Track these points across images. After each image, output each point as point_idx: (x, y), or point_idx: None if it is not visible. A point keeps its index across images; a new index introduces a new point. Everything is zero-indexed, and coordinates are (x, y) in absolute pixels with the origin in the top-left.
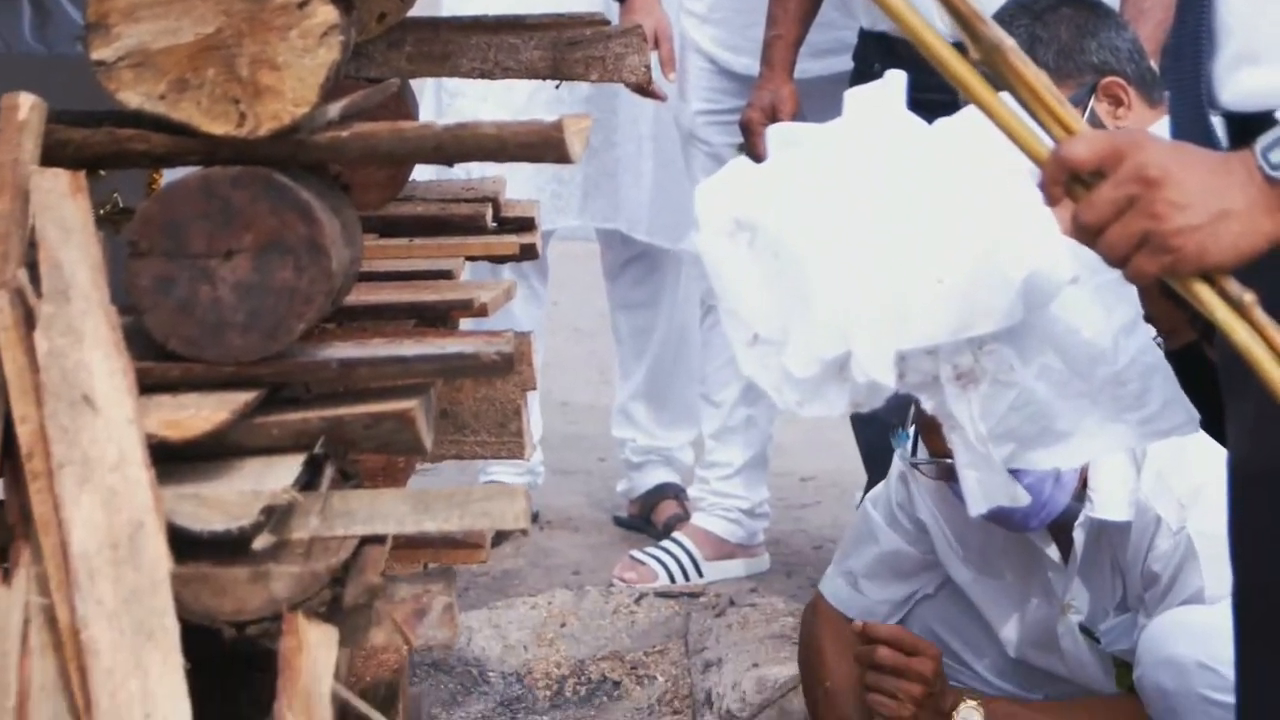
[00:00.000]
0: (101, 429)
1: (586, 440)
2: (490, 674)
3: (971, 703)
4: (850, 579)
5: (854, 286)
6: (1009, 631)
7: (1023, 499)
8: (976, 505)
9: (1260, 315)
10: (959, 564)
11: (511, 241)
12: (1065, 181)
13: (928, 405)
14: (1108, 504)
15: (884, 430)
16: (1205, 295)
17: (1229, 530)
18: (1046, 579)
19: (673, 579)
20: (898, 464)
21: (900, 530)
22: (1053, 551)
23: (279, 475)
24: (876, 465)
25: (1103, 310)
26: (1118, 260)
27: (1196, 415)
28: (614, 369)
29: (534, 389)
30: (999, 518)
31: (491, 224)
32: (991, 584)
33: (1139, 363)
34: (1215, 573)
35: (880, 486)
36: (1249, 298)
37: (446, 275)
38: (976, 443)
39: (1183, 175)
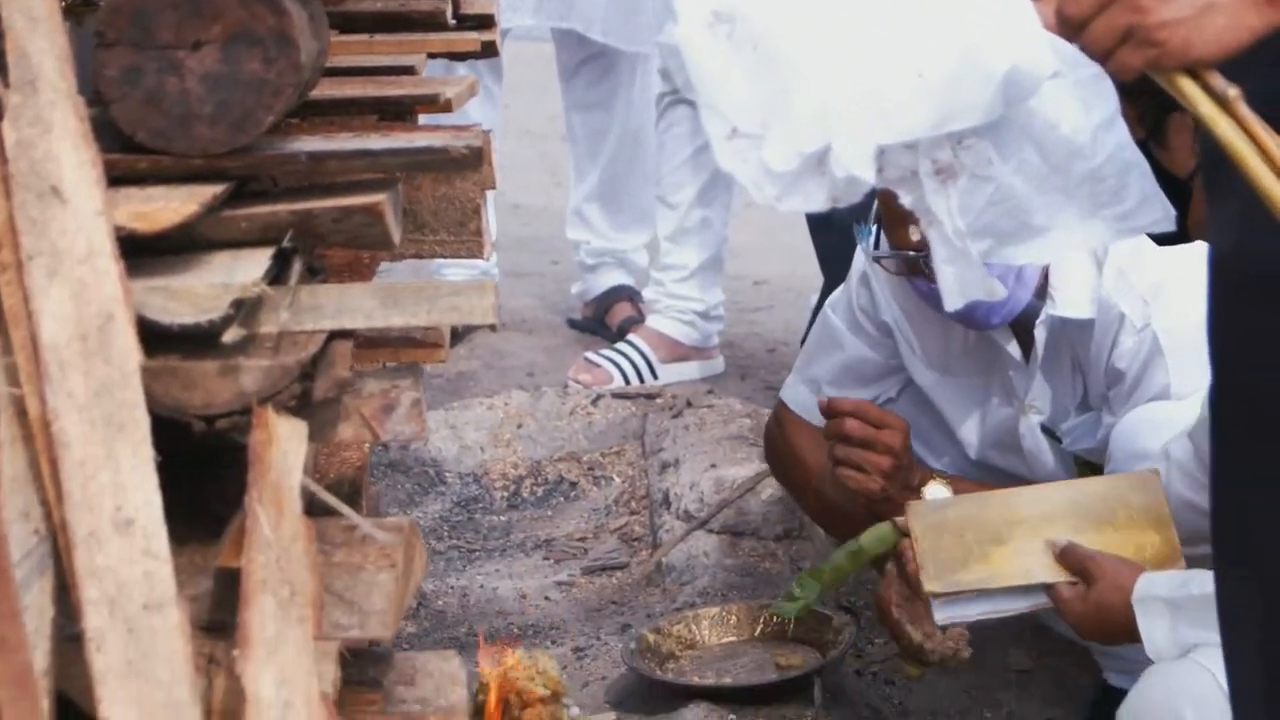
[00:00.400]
0: (70, 220)
1: (539, 243)
2: (447, 474)
3: (940, 480)
4: (814, 386)
5: (834, 80)
6: (970, 433)
7: (999, 292)
8: (953, 300)
9: (1244, 110)
10: (921, 366)
11: (472, 38)
12: None
13: (906, 200)
14: (1070, 302)
15: (841, 233)
16: (1189, 90)
17: (1209, 329)
18: (1008, 378)
19: (627, 381)
20: (859, 267)
21: (863, 335)
22: (1014, 349)
23: (248, 269)
24: (833, 268)
25: (1081, 106)
26: (1101, 55)
27: (1173, 211)
28: (567, 172)
29: (493, 188)
30: (963, 315)
31: (451, 20)
32: (953, 384)
33: (1116, 159)
34: (1180, 368)
35: (840, 291)
36: (1233, 92)
37: (408, 71)
38: (954, 238)
39: None
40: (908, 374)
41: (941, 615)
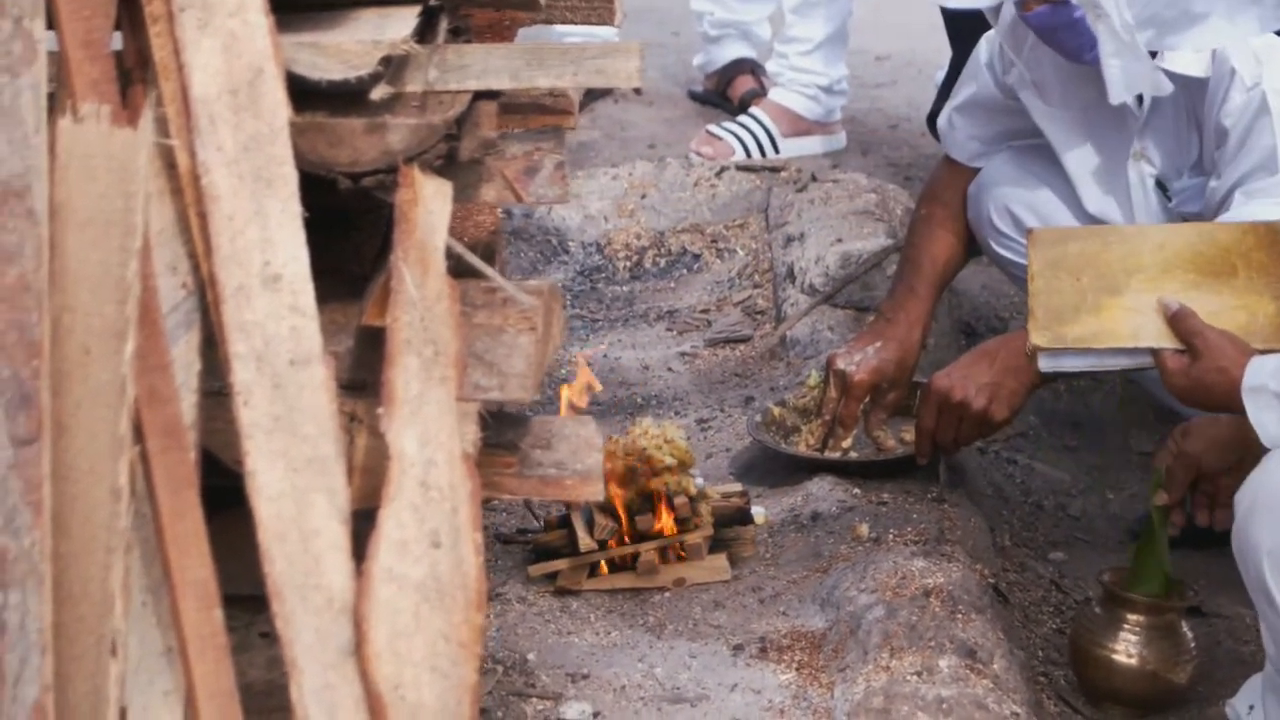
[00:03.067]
0: None
1: (659, 13)
2: (570, 243)
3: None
4: (950, 113)
5: None
6: (1083, 175)
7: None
8: (1118, 93)
9: None
10: (1042, 104)
11: None
12: None
13: None
14: (1182, 59)
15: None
16: None
17: None
18: (1124, 120)
19: (749, 154)
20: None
21: (993, 73)
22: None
23: (396, 26)
24: (963, 42)
25: None
26: None
27: None
28: None
29: None
30: (1058, 39)
31: None
32: (1074, 120)
33: None
34: None
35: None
36: None
37: None
38: (1122, 31)
39: None
40: (1024, 115)
41: (1045, 365)
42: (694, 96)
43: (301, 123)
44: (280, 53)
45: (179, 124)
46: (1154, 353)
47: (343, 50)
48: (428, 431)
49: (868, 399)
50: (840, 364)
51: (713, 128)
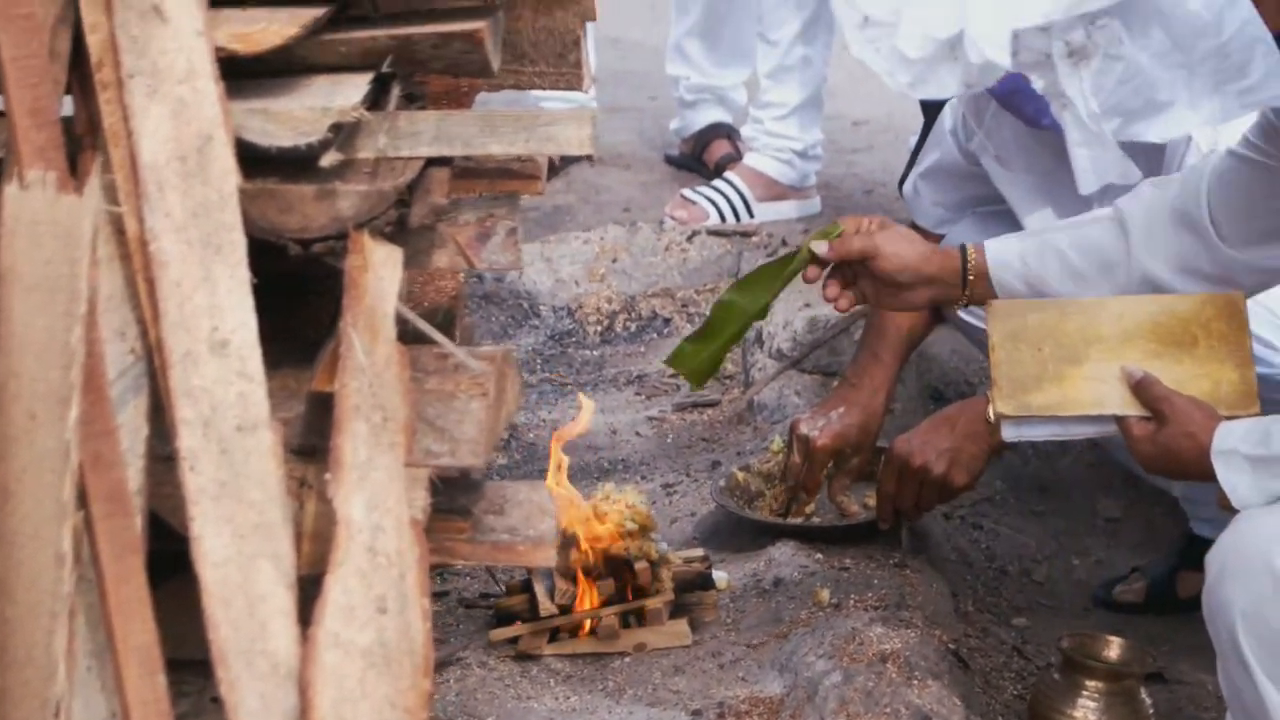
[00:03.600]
0: (171, 40)
1: (638, 77)
2: (541, 307)
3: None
4: (915, 179)
5: None
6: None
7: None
8: (1088, 184)
9: None
10: (1000, 168)
11: None
12: None
13: (1039, 85)
14: None
15: None
16: None
17: None
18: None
19: (723, 218)
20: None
21: (956, 139)
22: None
23: (347, 93)
24: (934, 109)
25: None
26: None
27: None
28: (667, 6)
29: (594, 19)
30: (1017, 103)
31: None
32: (1032, 184)
33: (1244, 34)
34: None
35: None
36: None
37: None
38: (1088, 120)
39: None
40: (987, 181)
41: (1009, 434)
42: (670, 160)
43: (251, 189)
44: (230, 119)
45: (127, 190)
46: (1119, 420)
47: (293, 117)
48: (375, 497)
49: (831, 464)
50: (803, 429)
51: (687, 192)
